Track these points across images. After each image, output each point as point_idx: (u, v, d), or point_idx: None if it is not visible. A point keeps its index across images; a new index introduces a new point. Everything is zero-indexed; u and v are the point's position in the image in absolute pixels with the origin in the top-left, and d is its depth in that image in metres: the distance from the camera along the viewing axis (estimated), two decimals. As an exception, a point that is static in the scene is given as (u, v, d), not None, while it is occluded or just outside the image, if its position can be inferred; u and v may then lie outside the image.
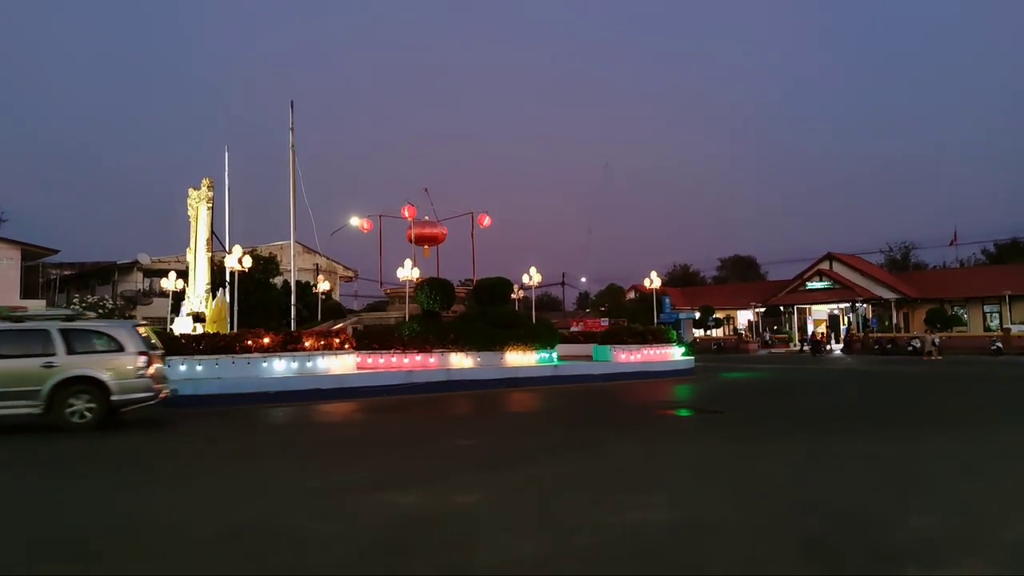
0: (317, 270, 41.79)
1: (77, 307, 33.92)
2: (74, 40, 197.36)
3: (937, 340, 34.04)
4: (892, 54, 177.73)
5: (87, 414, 11.24)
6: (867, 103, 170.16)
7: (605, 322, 35.82)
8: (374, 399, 16.30)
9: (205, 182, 20.42)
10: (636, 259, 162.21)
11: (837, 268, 49.21)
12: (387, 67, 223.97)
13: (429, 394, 17.57)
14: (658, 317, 29.62)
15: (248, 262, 20.31)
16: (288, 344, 17.24)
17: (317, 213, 31.01)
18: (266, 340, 16.93)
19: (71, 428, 11.02)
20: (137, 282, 41.39)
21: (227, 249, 20.68)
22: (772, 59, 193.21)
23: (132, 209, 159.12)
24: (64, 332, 11.48)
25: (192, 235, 20.78)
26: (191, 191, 20.81)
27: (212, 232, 20.49)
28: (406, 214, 25.11)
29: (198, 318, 19.25)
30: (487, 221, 26.97)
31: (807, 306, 50.37)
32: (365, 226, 26.16)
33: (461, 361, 20.12)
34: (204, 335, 17.13)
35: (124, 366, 11.62)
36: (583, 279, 76.38)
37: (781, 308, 51.39)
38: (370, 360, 19.43)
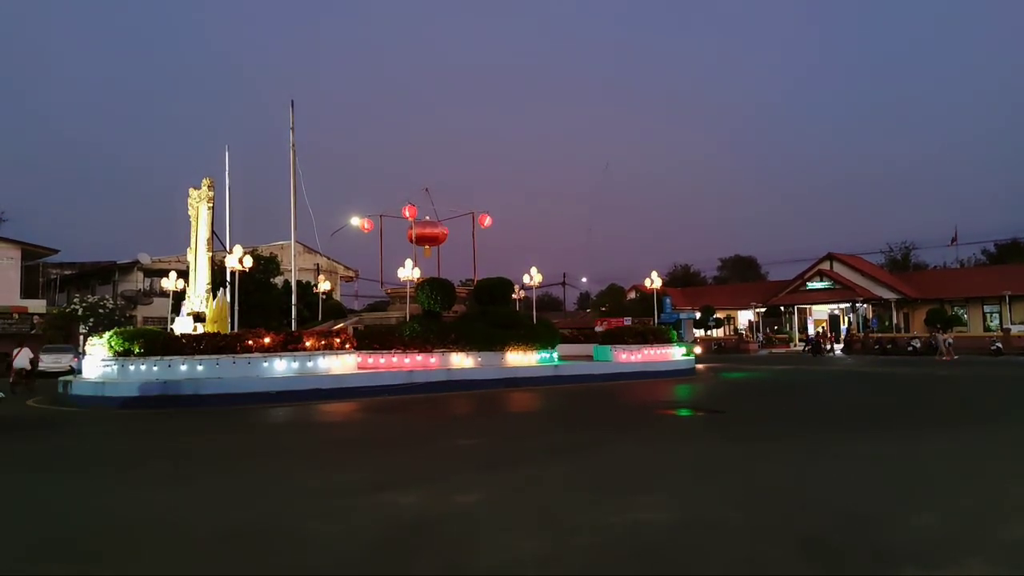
0: (318, 270, 41.81)
1: (78, 307, 34.08)
2: (74, 40, 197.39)
3: (950, 340, 34.04)
4: (893, 54, 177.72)
5: None
6: (868, 103, 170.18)
7: (628, 320, 36.03)
8: (375, 399, 16.31)
9: (206, 182, 20.43)
10: (637, 259, 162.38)
11: (837, 268, 49.19)
12: (388, 67, 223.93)
13: (430, 394, 17.57)
14: (659, 317, 29.62)
15: (249, 262, 20.31)
16: (289, 344, 17.25)
17: (318, 213, 31.05)
18: (267, 340, 16.94)
19: None
20: (137, 282, 41.40)
21: (228, 249, 20.68)
22: (773, 59, 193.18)
23: (133, 209, 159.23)
24: None
25: (193, 235, 20.79)
26: (192, 191, 20.83)
27: (213, 232, 20.50)
28: (407, 214, 25.11)
29: (199, 318, 19.26)
30: (488, 221, 26.97)
31: (807, 306, 50.35)
32: (366, 226, 26.15)
33: (462, 361, 20.12)
34: (205, 335, 17.15)
35: None
36: (584, 279, 76.59)
37: (782, 308, 51.37)
38: (371, 360, 19.43)
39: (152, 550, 4.97)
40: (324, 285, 29.60)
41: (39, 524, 5.72)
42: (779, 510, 5.78)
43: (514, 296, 26.10)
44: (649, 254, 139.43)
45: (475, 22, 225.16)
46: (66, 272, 47.50)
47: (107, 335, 16.91)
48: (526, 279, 24.64)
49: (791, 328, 50.59)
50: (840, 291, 47.05)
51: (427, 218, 26.67)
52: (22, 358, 21.18)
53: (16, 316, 34.70)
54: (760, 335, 49.20)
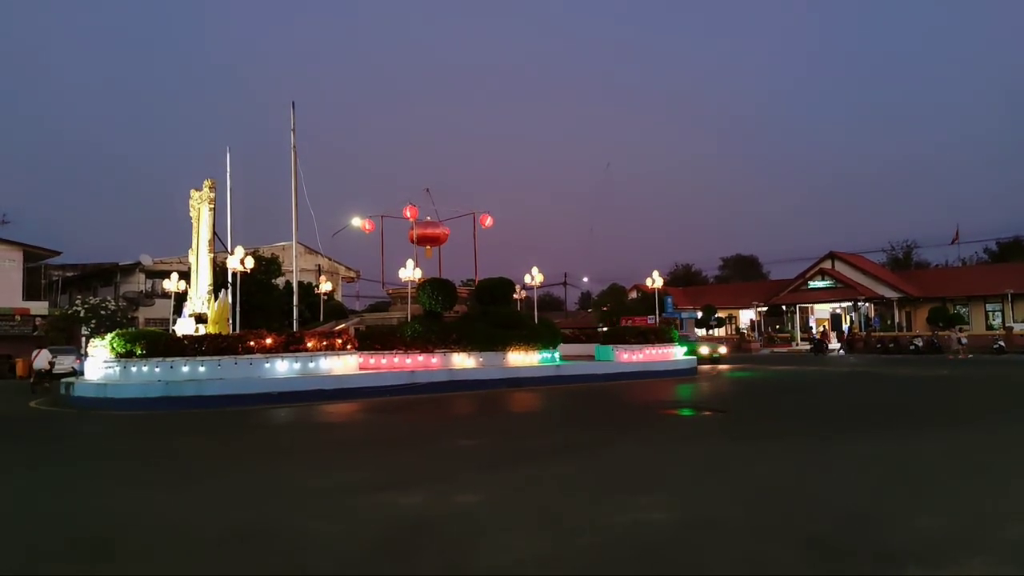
0: (319, 271, 41.84)
1: (80, 309, 34.12)
2: (75, 40, 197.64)
3: (964, 339, 33.96)
4: (893, 53, 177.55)
5: None
6: (868, 102, 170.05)
7: (652, 319, 36.03)
8: (376, 399, 16.31)
9: (207, 183, 20.45)
10: (638, 259, 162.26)
11: (839, 267, 49.14)
12: (388, 67, 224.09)
13: (431, 394, 17.58)
14: (660, 317, 29.61)
15: (250, 263, 20.33)
16: (290, 345, 17.27)
17: (319, 214, 31.04)
18: (268, 341, 16.96)
19: None
20: (139, 283, 41.46)
21: (229, 250, 20.70)
22: (772, 58, 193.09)
23: (134, 210, 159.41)
24: None
25: (194, 236, 20.81)
26: (193, 192, 20.85)
27: (214, 233, 20.51)
28: (408, 215, 25.12)
29: (200, 319, 19.28)
30: (489, 221, 26.98)
31: (809, 305, 50.31)
32: (367, 227, 26.17)
33: (463, 361, 20.13)
34: (206, 336, 17.17)
35: None
36: (585, 279, 76.34)
37: (783, 307, 51.32)
38: (372, 360, 19.45)
39: (155, 551, 4.97)
40: (325, 286, 29.62)
41: (42, 525, 5.73)
42: (781, 510, 5.78)
43: (515, 296, 26.10)
44: (650, 254, 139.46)
45: (475, 22, 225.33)
46: (68, 274, 47.59)
47: (109, 337, 16.94)
48: (527, 279, 24.64)
49: (793, 327, 50.55)
50: (842, 290, 47.01)
51: (428, 218, 26.68)
52: (41, 359, 21.94)
53: (18, 318, 34.75)
54: (760, 335, 49.15)
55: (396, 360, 19.53)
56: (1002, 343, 34.92)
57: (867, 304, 46.15)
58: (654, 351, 24.23)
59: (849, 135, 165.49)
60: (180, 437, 11.27)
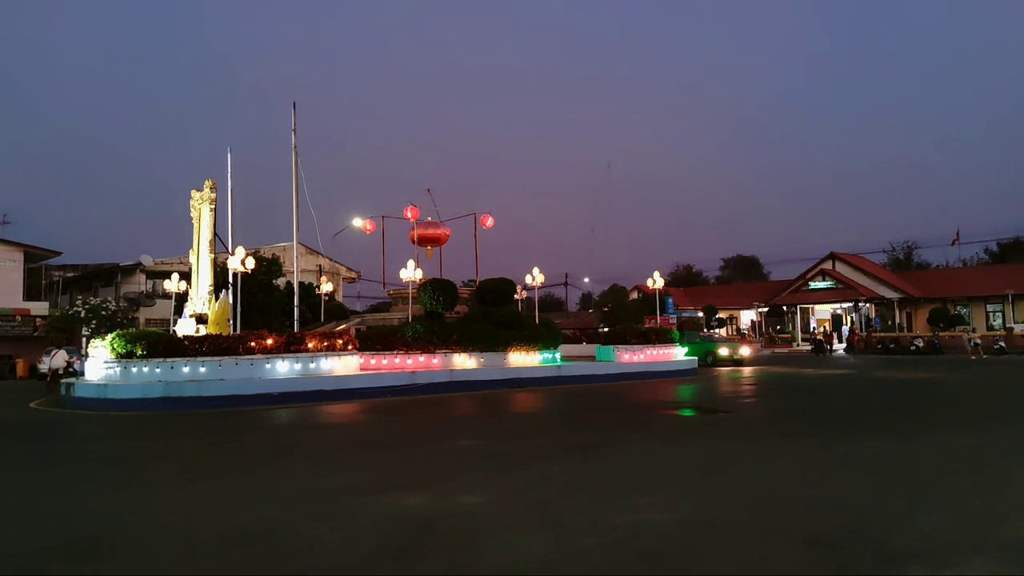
0: (320, 271, 41.84)
1: (80, 309, 34.09)
2: (75, 40, 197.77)
3: (977, 340, 33.90)
4: (894, 53, 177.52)
5: None
6: (869, 102, 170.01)
7: (673, 319, 35.98)
8: (377, 400, 16.30)
9: (207, 184, 20.44)
10: (639, 259, 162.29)
11: (840, 268, 49.15)
12: (389, 67, 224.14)
13: (432, 395, 17.57)
14: (661, 317, 29.61)
15: (251, 263, 20.33)
16: (291, 345, 17.27)
17: (320, 214, 31.10)
18: (269, 341, 16.95)
19: None
20: (140, 284, 41.42)
21: (230, 250, 20.69)
22: (773, 59, 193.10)
23: (135, 211, 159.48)
24: None
25: (195, 237, 20.80)
26: (194, 193, 20.84)
27: (215, 234, 20.51)
28: (409, 215, 25.11)
29: (201, 320, 19.27)
30: (490, 222, 26.96)
31: (810, 306, 50.30)
32: (368, 227, 26.15)
33: (464, 362, 20.12)
34: (207, 336, 17.16)
35: None
36: (586, 279, 76.43)
37: (784, 308, 51.33)
38: (373, 361, 19.44)
39: (156, 551, 4.96)
40: (326, 286, 29.61)
41: (44, 525, 5.72)
42: (784, 510, 5.76)
43: (516, 296, 26.08)
44: (651, 254, 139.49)
45: (478, 23, 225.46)
46: (68, 274, 47.58)
47: (109, 337, 16.93)
48: (528, 279, 24.64)
49: (794, 328, 50.54)
50: (843, 290, 47.01)
51: (429, 219, 26.67)
52: (58, 359, 22.28)
53: (19, 318, 34.74)
54: (760, 336, 49.15)
55: (397, 361, 19.52)
56: (1002, 343, 34.94)
57: (868, 305, 46.15)
58: (655, 351, 24.22)
59: (849, 135, 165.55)
60: (180, 438, 11.25)
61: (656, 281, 27.32)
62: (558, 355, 22.39)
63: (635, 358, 23.54)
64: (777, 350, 45.46)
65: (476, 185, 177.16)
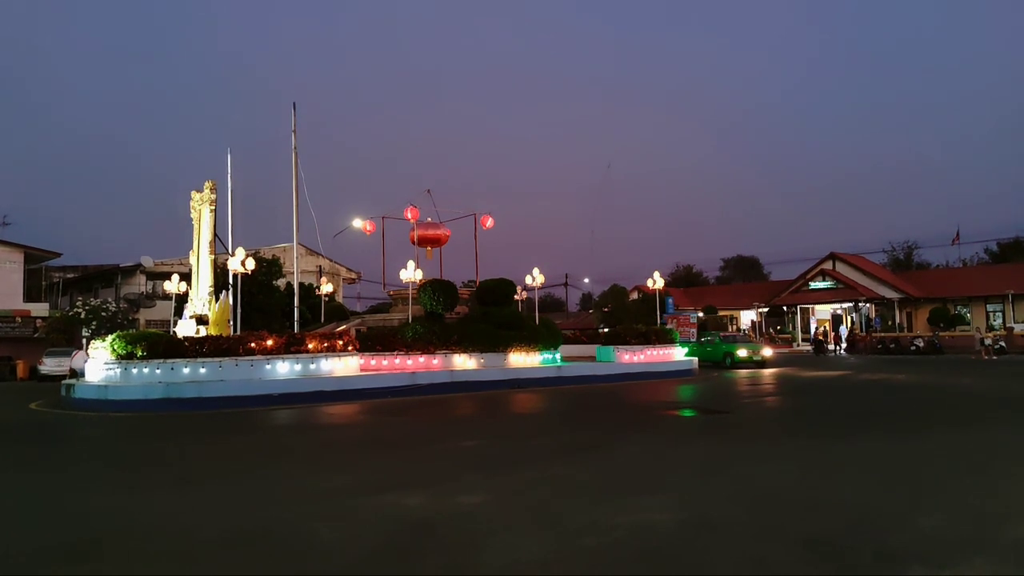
0: (320, 272, 41.84)
1: (80, 310, 34.11)
2: (76, 41, 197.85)
3: (988, 340, 33.72)
4: (894, 53, 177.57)
5: None
6: (869, 102, 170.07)
7: (694, 319, 35.87)
8: (377, 401, 16.30)
9: (208, 184, 20.45)
10: (639, 260, 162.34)
11: (840, 268, 49.14)
12: (389, 67, 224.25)
13: (432, 395, 17.57)
14: (661, 318, 29.60)
15: (251, 264, 20.34)
16: (291, 346, 17.27)
17: (320, 215, 31.12)
18: (269, 342, 16.96)
19: None
20: (140, 285, 41.44)
21: (230, 251, 20.71)
22: (774, 58, 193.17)
23: (135, 212, 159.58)
24: None
25: (195, 237, 20.82)
26: (194, 194, 20.85)
27: (215, 234, 20.52)
28: (409, 216, 25.11)
29: (201, 320, 19.28)
30: (490, 222, 26.97)
31: (810, 306, 50.29)
32: (368, 228, 26.16)
33: (464, 362, 20.12)
34: (207, 337, 17.17)
35: None
36: (586, 280, 76.42)
37: (784, 308, 51.32)
38: (373, 362, 19.45)
39: (157, 552, 4.96)
40: (326, 287, 29.62)
41: (44, 526, 5.72)
42: (784, 510, 5.77)
43: (516, 297, 26.09)
44: (651, 254, 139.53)
45: (477, 23, 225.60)
46: (68, 275, 47.62)
47: (110, 338, 16.94)
48: (528, 280, 24.65)
49: (794, 328, 50.53)
50: (843, 291, 47.00)
51: (429, 220, 26.68)
52: (78, 360, 22.46)
53: (19, 320, 34.75)
54: (760, 336, 49.14)
55: (397, 361, 19.53)
56: (1003, 343, 34.93)
57: (868, 305, 46.14)
58: (655, 352, 24.23)
59: (849, 135, 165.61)
60: (181, 439, 11.25)
61: (656, 281, 27.33)
62: (558, 356, 22.40)
63: (635, 358, 23.55)
64: (778, 350, 45.39)
65: (476, 185, 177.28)
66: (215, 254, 20.51)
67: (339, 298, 42.00)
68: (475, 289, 25.49)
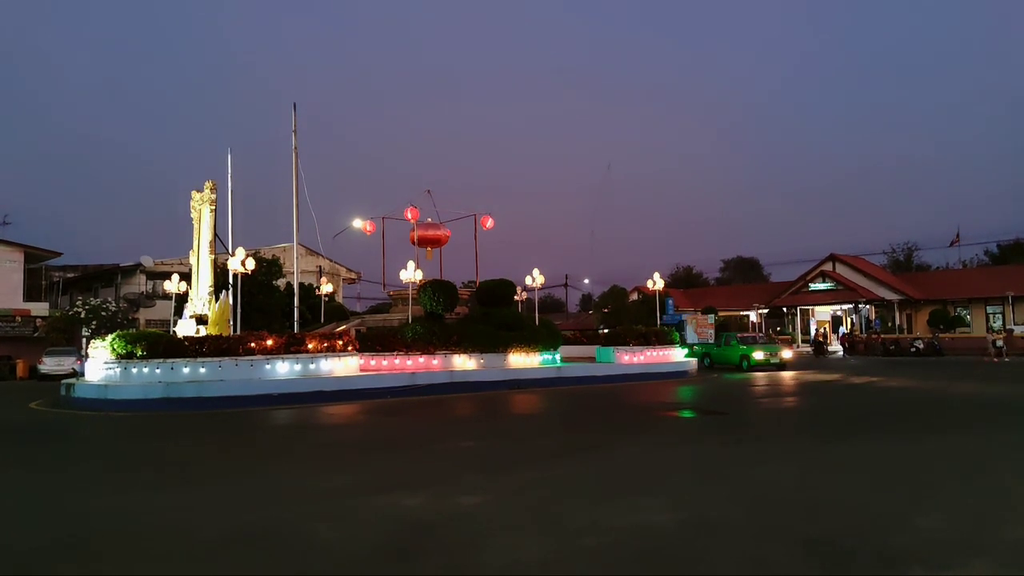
0: (320, 272, 41.83)
1: (80, 310, 34.12)
2: (76, 40, 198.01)
3: (1000, 342, 33.59)
4: (893, 52, 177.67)
5: None
6: (869, 103, 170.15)
7: (711, 319, 35.77)
8: (377, 401, 16.31)
9: (208, 184, 20.47)
10: (639, 261, 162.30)
11: (840, 269, 49.13)
12: (389, 67, 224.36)
13: (432, 396, 17.57)
14: (661, 319, 29.60)
15: (251, 264, 20.35)
16: (291, 346, 17.28)
17: (320, 215, 31.14)
18: (269, 342, 16.97)
19: None
20: (140, 284, 41.45)
21: (230, 251, 20.72)
22: (773, 59, 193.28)
23: (135, 211, 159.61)
24: None
25: (195, 237, 20.82)
26: (194, 194, 20.87)
27: (215, 234, 20.53)
28: (409, 216, 25.14)
29: (201, 320, 19.29)
30: (490, 223, 26.99)
31: (810, 307, 50.28)
32: (368, 228, 26.18)
33: (464, 363, 20.12)
34: (207, 337, 17.17)
35: None
36: (586, 280, 76.44)
37: (784, 309, 51.32)
38: (373, 362, 19.45)
39: (157, 552, 4.97)
40: (326, 287, 29.64)
41: (44, 526, 5.72)
42: (783, 511, 5.77)
43: (516, 298, 26.11)
44: (651, 255, 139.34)
45: (477, 23, 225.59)
46: (69, 275, 47.62)
47: (110, 338, 16.95)
48: (528, 280, 24.67)
49: (794, 329, 50.52)
50: (843, 292, 47.00)
51: (429, 220, 26.70)
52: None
53: (19, 319, 34.76)
54: (760, 336, 49.09)
55: (397, 362, 19.53)
56: (1003, 345, 34.90)
57: (868, 306, 46.15)
58: (655, 353, 24.24)
59: (849, 136, 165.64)
60: (180, 438, 11.26)
61: (656, 282, 27.35)
62: (558, 356, 22.40)
63: (635, 359, 23.56)
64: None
65: (476, 185, 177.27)
66: (215, 254, 20.52)
67: (339, 298, 42.03)
68: (475, 290, 25.51)
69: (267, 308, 26.24)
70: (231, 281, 20.04)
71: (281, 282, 29.43)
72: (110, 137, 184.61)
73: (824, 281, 49.04)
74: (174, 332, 19.69)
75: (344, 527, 5.51)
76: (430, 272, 25.16)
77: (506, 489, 6.78)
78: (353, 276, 50.44)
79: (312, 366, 17.39)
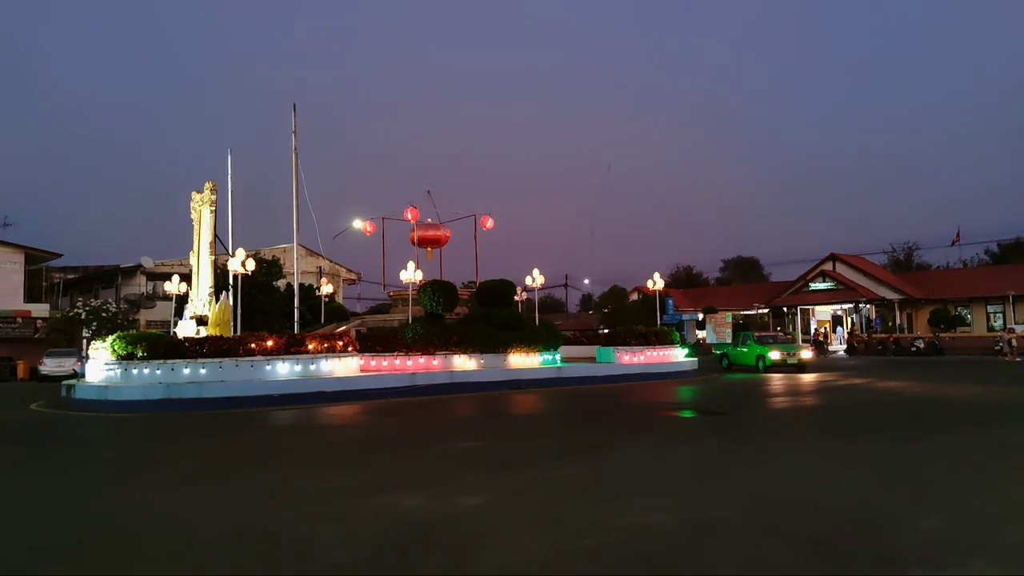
0: (320, 273, 41.85)
1: (81, 311, 34.15)
2: (75, 41, 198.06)
3: (1014, 342, 33.51)
4: (895, 51, 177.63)
5: None
6: (869, 102, 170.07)
7: (728, 318, 35.56)
8: (378, 401, 16.31)
9: (208, 185, 20.48)
10: (639, 261, 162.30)
11: (840, 269, 49.12)
12: (389, 68, 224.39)
13: (433, 396, 17.57)
14: (661, 318, 29.60)
15: (251, 265, 20.36)
16: (291, 347, 17.28)
17: (320, 216, 31.15)
18: (269, 343, 16.97)
19: None
20: (140, 286, 41.49)
21: (230, 252, 20.73)
22: (773, 58, 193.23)
23: (135, 212, 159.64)
24: None
25: (195, 238, 20.83)
26: (194, 195, 20.88)
27: (215, 235, 20.54)
28: (409, 217, 25.15)
29: (201, 321, 19.29)
30: (490, 223, 27.01)
31: (811, 307, 50.28)
32: (368, 229, 26.20)
33: (464, 363, 20.13)
34: (208, 338, 17.18)
35: None
36: (586, 281, 76.30)
37: (784, 309, 51.32)
38: (373, 362, 19.46)
39: (158, 552, 4.97)
40: (326, 288, 29.66)
41: (45, 527, 5.73)
42: (783, 511, 5.77)
43: (516, 298, 26.12)
44: (651, 255, 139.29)
45: (476, 23, 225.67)
46: (69, 276, 47.67)
47: (110, 339, 16.96)
48: (528, 281, 24.68)
49: (794, 329, 50.51)
50: (843, 291, 46.99)
51: (429, 220, 26.71)
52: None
53: (19, 320, 34.78)
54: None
55: (397, 362, 19.54)
56: (1016, 344, 34.87)
57: (868, 306, 46.14)
58: (655, 353, 24.24)
59: (849, 135, 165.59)
60: (181, 439, 11.27)
61: (656, 282, 27.35)
62: (558, 356, 22.40)
63: (635, 359, 23.55)
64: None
65: (476, 185, 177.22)
66: (215, 255, 20.54)
67: (339, 299, 42.06)
68: (475, 290, 25.51)
69: (267, 309, 26.26)
70: (231, 282, 20.04)
71: (281, 283, 29.45)
72: (110, 138, 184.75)
73: (824, 281, 49.03)
74: (174, 333, 19.70)
75: (344, 527, 5.51)
76: (430, 272, 25.20)
77: (506, 489, 6.78)
78: (353, 277, 50.47)
79: (312, 367, 17.40)
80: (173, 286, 22.20)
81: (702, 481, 7.08)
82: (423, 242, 26.52)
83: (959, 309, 45.59)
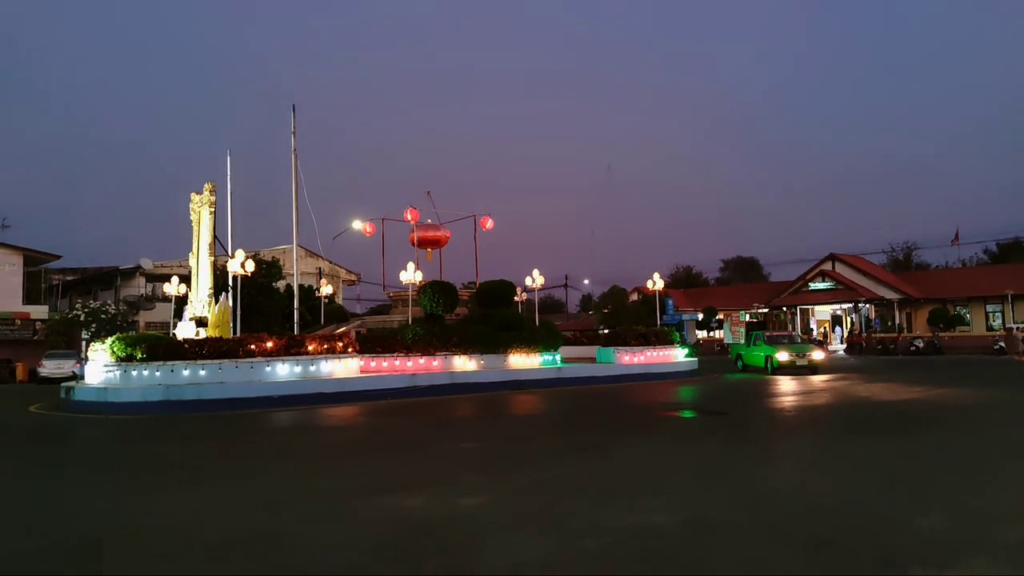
0: (320, 274, 41.83)
1: (80, 313, 34.12)
2: (74, 41, 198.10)
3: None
4: (894, 50, 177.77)
5: None
6: (868, 101, 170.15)
7: (744, 316, 35.36)
8: (378, 403, 16.31)
9: (207, 187, 20.48)
10: (639, 261, 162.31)
11: (839, 268, 49.14)
12: (389, 68, 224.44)
13: (433, 397, 17.57)
14: (661, 319, 29.60)
15: (251, 266, 20.34)
16: (291, 348, 17.28)
17: (320, 216, 31.15)
18: (269, 344, 16.96)
19: None
20: (140, 287, 41.46)
21: (230, 253, 20.72)
22: (772, 57, 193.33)
23: (135, 213, 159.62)
24: None
25: (195, 240, 20.83)
26: (193, 196, 20.87)
27: (215, 236, 20.54)
28: (409, 217, 25.15)
29: (201, 323, 19.29)
30: (490, 224, 27.01)
31: (810, 307, 50.29)
32: (368, 229, 26.19)
33: (464, 364, 20.12)
34: (207, 340, 17.17)
35: None
36: (586, 281, 76.47)
37: (784, 309, 51.33)
38: (373, 363, 19.45)
39: (158, 553, 4.96)
40: (326, 289, 29.65)
41: (45, 528, 5.72)
42: (784, 511, 5.77)
43: (516, 298, 26.12)
44: (651, 256, 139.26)
45: (476, 23, 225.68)
46: (68, 278, 47.63)
47: (109, 341, 16.95)
48: (528, 281, 24.68)
49: (794, 329, 50.52)
50: (842, 291, 47.00)
51: (429, 221, 26.71)
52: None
53: (18, 322, 34.77)
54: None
55: (397, 363, 19.54)
56: (1002, 344, 34.94)
57: (867, 306, 46.15)
58: (655, 353, 24.24)
59: (848, 135, 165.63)
60: (180, 441, 11.26)
61: (656, 283, 27.36)
62: (558, 357, 22.40)
63: (635, 359, 23.56)
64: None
65: (476, 184, 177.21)
66: (215, 256, 20.54)
67: (339, 300, 42.03)
68: (475, 291, 25.51)
69: (267, 310, 26.24)
70: (231, 283, 20.04)
71: (281, 284, 29.44)
72: (110, 139, 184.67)
73: (824, 280, 49.04)
74: (174, 335, 19.69)
75: (345, 528, 5.51)
76: (430, 273, 25.19)
77: (506, 490, 6.78)
78: (353, 278, 50.46)
79: (312, 368, 17.39)
80: (172, 287, 22.19)
81: (702, 481, 7.08)
82: (423, 243, 26.52)
83: (958, 309, 45.61)
